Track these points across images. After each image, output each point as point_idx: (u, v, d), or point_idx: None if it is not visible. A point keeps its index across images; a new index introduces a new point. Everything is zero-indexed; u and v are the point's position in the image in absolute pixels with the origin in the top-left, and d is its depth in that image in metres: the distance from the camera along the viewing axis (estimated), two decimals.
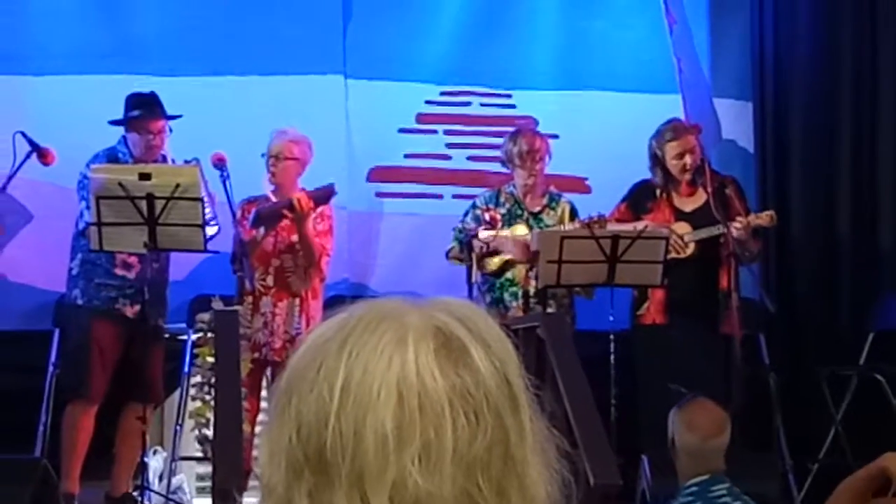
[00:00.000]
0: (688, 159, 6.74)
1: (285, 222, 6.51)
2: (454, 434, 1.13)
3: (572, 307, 6.80)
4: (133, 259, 6.35)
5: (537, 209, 6.87)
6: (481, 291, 6.74)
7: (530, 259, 6.61)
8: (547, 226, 6.77)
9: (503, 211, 6.84)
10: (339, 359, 1.16)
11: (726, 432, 4.30)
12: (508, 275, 6.76)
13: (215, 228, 6.26)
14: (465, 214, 6.91)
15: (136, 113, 6.47)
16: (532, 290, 6.66)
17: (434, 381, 1.14)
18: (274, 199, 6.63)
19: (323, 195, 6.50)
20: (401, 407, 1.13)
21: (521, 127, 7.18)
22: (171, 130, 6.50)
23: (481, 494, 1.14)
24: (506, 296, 6.76)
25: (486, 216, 6.72)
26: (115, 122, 6.54)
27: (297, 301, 6.58)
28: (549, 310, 6.54)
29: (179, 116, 6.53)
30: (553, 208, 6.89)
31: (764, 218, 6.66)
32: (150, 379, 6.26)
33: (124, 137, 6.54)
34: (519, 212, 6.86)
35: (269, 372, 6.52)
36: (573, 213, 6.87)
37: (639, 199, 6.83)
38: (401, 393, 1.13)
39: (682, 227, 6.69)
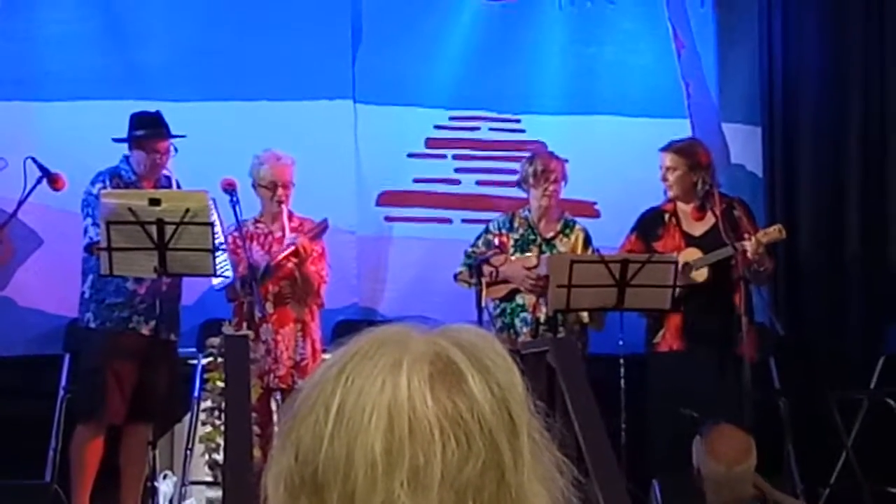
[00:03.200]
0: (661, 173, 6.75)
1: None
2: (443, 458, 1.13)
3: (584, 332, 6.78)
4: None
5: (550, 234, 6.86)
6: (492, 317, 6.73)
7: (535, 288, 6.59)
8: (560, 252, 6.76)
9: (516, 236, 6.83)
10: (337, 384, 1.17)
11: (751, 457, 4.19)
12: (519, 300, 6.74)
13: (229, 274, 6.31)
14: (478, 238, 6.91)
15: (141, 132, 6.49)
16: (543, 317, 6.65)
17: (425, 406, 1.14)
18: (259, 222, 6.62)
19: (320, 233, 6.54)
20: (391, 431, 1.14)
21: (538, 150, 7.19)
22: (176, 150, 6.52)
23: None
24: (516, 321, 6.75)
25: (496, 240, 6.72)
26: (118, 140, 6.56)
27: (300, 326, 6.58)
28: (560, 335, 6.53)
29: (183, 136, 6.55)
30: (567, 235, 6.88)
31: (772, 232, 6.62)
32: (161, 399, 6.25)
33: (126, 157, 6.55)
34: (532, 237, 6.85)
35: (278, 397, 6.52)
36: (587, 241, 6.86)
37: (648, 228, 6.81)
38: (391, 417, 1.14)
39: (692, 254, 6.67)
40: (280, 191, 6.58)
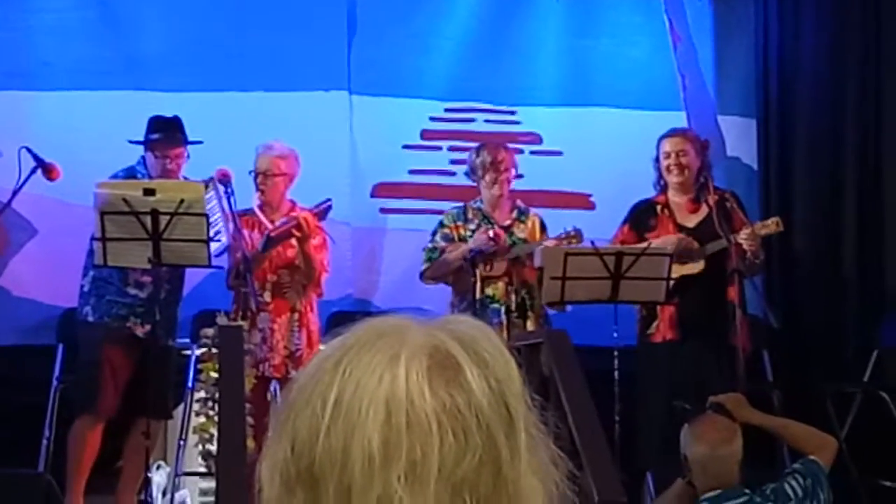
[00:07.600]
0: (673, 160, 6.74)
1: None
2: (441, 452, 1.13)
3: (548, 320, 6.76)
4: (146, 278, 6.34)
5: (507, 223, 6.84)
6: (459, 310, 6.66)
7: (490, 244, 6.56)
8: (519, 238, 6.75)
9: (472, 227, 6.79)
10: (334, 375, 1.16)
11: (736, 441, 4.20)
12: (489, 291, 6.69)
13: (217, 244, 6.26)
14: (434, 233, 6.85)
15: (156, 136, 6.45)
16: (513, 306, 6.62)
17: (422, 399, 1.14)
18: (260, 214, 6.62)
19: (324, 212, 6.52)
20: (388, 424, 1.13)
21: (486, 141, 7.16)
22: (189, 156, 6.48)
23: None
24: (487, 312, 6.68)
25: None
26: (134, 142, 6.54)
27: (297, 316, 6.57)
28: (529, 323, 6.53)
29: (200, 142, 6.51)
30: (522, 221, 6.85)
31: (770, 225, 6.63)
32: (158, 395, 6.26)
33: (143, 158, 6.53)
34: (489, 226, 6.79)
35: (274, 387, 6.51)
36: (543, 226, 6.84)
37: (640, 219, 6.80)
38: (389, 410, 1.13)
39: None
40: (260, 178, 6.57)
